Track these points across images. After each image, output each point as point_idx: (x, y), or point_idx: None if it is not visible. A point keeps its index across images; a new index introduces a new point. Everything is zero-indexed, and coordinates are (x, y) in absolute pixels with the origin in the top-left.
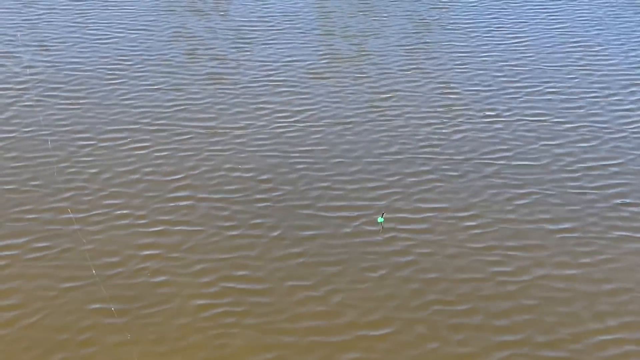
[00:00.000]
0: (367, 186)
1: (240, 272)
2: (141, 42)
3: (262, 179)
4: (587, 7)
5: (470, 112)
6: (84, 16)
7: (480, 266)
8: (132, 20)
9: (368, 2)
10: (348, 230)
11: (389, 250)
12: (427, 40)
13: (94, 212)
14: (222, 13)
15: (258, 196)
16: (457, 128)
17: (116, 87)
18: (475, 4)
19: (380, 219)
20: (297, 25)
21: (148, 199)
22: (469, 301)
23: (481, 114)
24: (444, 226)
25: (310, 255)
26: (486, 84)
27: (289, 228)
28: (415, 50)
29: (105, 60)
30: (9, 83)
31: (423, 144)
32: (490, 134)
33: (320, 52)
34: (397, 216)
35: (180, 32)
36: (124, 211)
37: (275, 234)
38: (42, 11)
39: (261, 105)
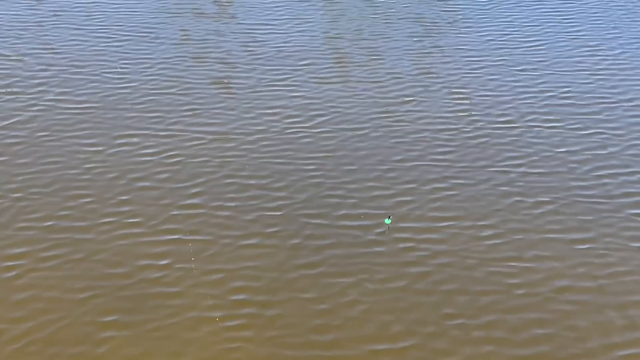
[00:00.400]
0: (382, 194)
1: (255, 283)
2: (151, 46)
3: (275, 186)
4: (602, 10)
5: (485, 118)
6: (91, 19)
7: (498, 278)
8: (142, 23)
9: (379, 5)
10: (363, 240)
11: (406, 261)
12: (440, 45)
13: (104, 220)
14: (231, 17)
15: (272, 204)
16: (471, 135)
17: (127, 92)
18: (489, 8)
19: (387, 221)
20: (308, 30)
21: (160, 206)
22: (488, 314)
23: (499, 119)
24: (461, 236)
25: (326, 265)
26: (501, 89)
27: (303, 237)
28: (427, 55)
29: (115, 64)
30: (19, 87)
31: (438, 151)
32: (505, 140)
33: (332, 57)
34: (413, 225)
35: (189, 36)
36: (136, 219)
37: (289, 243)
38: (49, 14)
39: (273, 111)
